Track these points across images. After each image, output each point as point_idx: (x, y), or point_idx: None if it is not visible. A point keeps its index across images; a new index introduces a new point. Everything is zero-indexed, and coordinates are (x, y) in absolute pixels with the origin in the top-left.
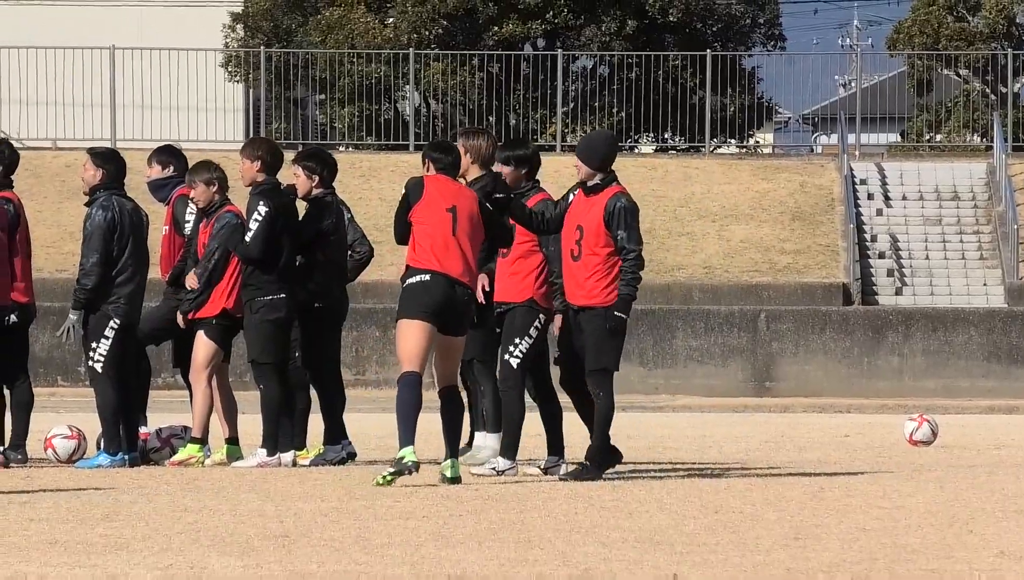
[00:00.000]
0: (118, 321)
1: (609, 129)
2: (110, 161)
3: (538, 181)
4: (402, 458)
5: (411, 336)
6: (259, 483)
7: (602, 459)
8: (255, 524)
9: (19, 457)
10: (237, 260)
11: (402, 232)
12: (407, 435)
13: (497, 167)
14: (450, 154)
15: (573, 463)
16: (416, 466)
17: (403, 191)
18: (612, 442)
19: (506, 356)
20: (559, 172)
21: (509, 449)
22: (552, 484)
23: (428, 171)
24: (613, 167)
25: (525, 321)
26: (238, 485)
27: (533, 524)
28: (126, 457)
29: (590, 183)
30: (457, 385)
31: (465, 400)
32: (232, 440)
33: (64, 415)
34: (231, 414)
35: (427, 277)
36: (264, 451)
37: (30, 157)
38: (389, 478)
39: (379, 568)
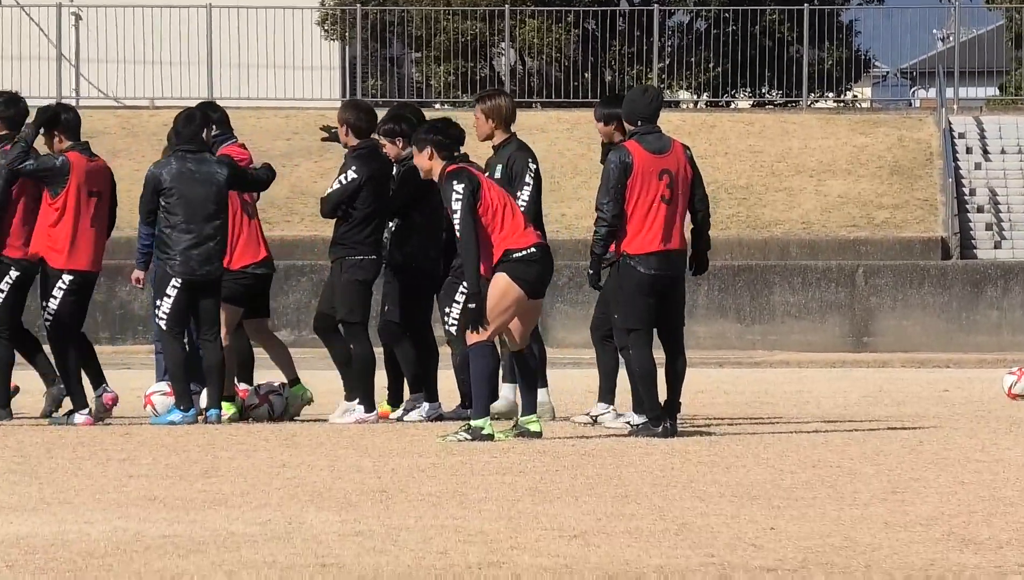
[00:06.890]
0: (179, 280)
1: (706, 84)
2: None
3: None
4: (481, 428)
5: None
6: (356, 439)
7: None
8: (353, 479)
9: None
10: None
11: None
12: (487, 405)
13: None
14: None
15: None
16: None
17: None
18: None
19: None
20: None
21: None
22: (648, 440)
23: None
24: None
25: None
26: (336, 441)
27: (630, 479)
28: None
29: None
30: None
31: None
32: (294, 381)
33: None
34: (283, 359)
35: (534, 250)
36: (361, 408)
37: (127, 116)
38: (460, 439)
39: (476, 523)
